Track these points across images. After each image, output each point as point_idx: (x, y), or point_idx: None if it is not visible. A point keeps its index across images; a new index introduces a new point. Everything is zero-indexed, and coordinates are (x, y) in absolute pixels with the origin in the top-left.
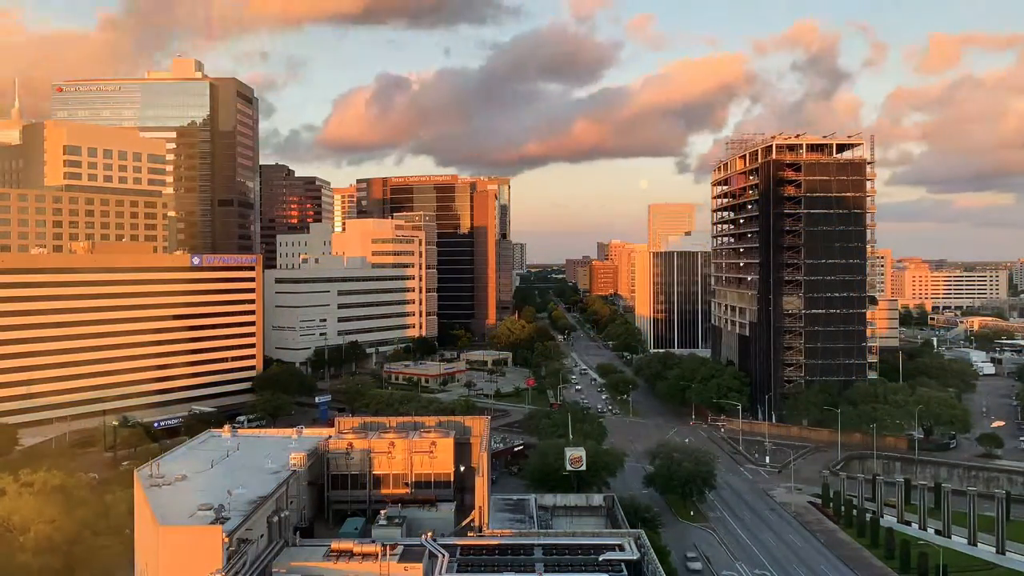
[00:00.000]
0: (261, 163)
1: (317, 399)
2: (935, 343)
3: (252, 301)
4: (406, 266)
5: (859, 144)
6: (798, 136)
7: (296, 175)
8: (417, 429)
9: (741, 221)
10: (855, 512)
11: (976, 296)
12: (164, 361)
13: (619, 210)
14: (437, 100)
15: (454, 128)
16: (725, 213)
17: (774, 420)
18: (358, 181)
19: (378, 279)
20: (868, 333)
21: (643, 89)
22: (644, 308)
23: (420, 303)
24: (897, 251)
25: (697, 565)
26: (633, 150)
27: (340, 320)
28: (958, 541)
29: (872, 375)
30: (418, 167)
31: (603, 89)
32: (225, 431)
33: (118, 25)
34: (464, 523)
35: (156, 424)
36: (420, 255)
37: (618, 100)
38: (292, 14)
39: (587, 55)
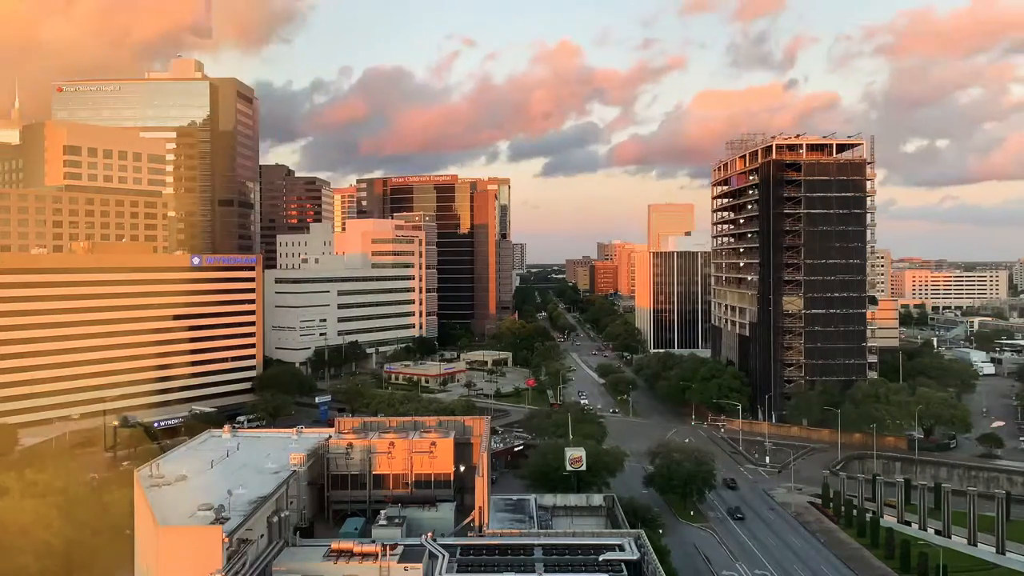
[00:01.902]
0: (262, 163)
1: (317, 399)
2: (935, 343)
3: (252, 301)
4: (406, 266)
5: (859, 144)
6: (798, 136)
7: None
8: (417, 429)
9: (741, 221)
10: (855, 512)
11: (976, 296)
12: (164, 361)
13: None
14: None
15: None
16: (725, 213)
17: (774, 420)
18: (358, 181)
19: (378, 279)
20: (868, 333)
21: None
22: (644, 308)
23: (420, 303)
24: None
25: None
26: None
27: (340, 320)
28: (958, 541)
29: (872, 375)
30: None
31: None
32: (225, 431)
33: None
34: (464, 523)
35: (156, 424)
36: (420, 255)
37: None
38: None
39: None
